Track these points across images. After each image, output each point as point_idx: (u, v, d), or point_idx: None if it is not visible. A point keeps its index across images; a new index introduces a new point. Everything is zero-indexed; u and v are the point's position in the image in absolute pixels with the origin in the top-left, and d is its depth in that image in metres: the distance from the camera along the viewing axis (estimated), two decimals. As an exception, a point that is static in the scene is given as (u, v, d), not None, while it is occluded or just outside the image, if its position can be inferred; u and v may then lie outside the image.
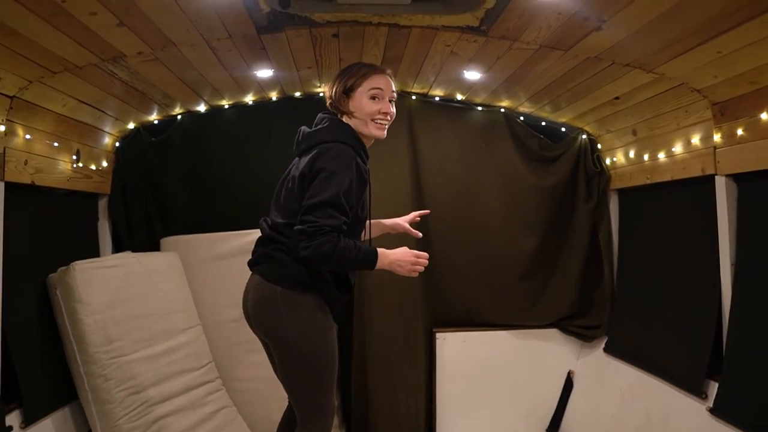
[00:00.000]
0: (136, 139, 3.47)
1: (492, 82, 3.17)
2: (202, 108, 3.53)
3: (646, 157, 3.09)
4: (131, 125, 3.43)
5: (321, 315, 2.12)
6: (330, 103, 2.22)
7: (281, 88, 3.44)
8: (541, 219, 3.68)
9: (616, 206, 3.59)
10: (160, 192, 3.56)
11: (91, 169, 3.16)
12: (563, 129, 3.69)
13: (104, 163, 3.30)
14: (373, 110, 2.15)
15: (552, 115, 3.58)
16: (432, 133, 3.67)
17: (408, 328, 3.62)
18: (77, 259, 2.76)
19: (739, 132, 2.36)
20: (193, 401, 3.02)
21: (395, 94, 2.23)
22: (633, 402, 3.13)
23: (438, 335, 3.70)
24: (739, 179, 2.50)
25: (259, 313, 2.14)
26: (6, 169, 2.38)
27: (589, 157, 3.56)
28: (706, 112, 2.53)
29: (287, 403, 2.39)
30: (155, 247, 3.52)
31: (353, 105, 2.16)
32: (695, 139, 2.66)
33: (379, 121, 2.17)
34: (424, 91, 3.58)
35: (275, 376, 2.30)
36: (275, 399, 3.05)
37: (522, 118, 3.70)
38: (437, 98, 3.66)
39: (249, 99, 3.53)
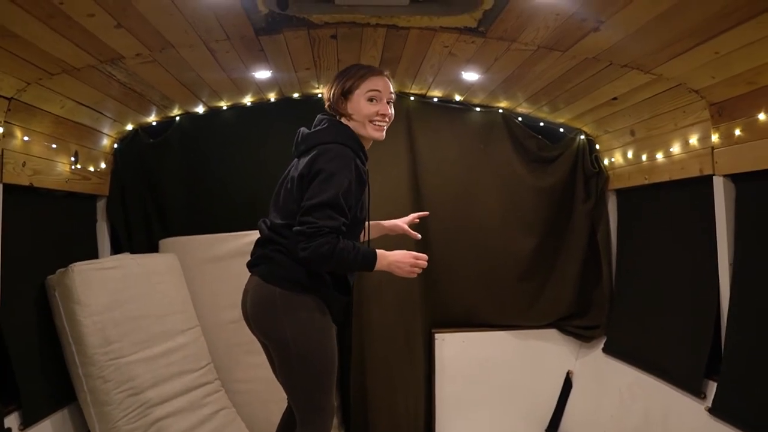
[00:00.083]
0: (134, 140, 3.46)
1: (490, 83, 3.18)
2: (200, 109, 3.53)
3: (644, 157, 3.09)
4: (129, 127, 3.43)
5: (320, 316, 2.12)
6: (328, 106, 2.22)
7: (279, 90, 3.44)
8: (540, 219, 3.68)
9: (615, 206, 3.59)
10: (158, 193, 3.56)
11: (90, 171, 3.16)
12: (561, 129, 3.69)
13: (102, 165, 3.30)
14: (370, 112, 2.15)
15: (550, 115, 3.59)
16: (430, 133, 3.67)
17: (407, 329, 3.62)
18: (76, 261, 2.76)
19: (737, 132, 2.37)
20: (192, 402, 3.01)
21: (393, 96, 2.22)
22: (632, 402, 3.13)
23: (437, 336, 3.70)
24: (737, 179, 2.50)
25: (258, 314, 2.14)
26: (4, 170, 2.38)
27: (588, 158, 3.57)
28: (704, 113, 2.54)
29: (286, 404, 2.39)
30: (154, 248, 3.52)
31: (351, 107, 2.16)
32: (693, 140, 2.67)
33: (377, 123, 2.17)
34: (423, 92, 3.58)
35: (274, 377, 2.30)
36: (274, 400, 3.05)
37: (520, 118, 3.70)
38: (435, 99, 3.66)
39: (247, 100, 3.53)
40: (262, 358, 2.35)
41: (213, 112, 3.57)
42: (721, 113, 2.45)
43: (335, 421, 3.28)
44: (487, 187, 3.69)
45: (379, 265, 2.06)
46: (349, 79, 2.16)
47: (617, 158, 3.38)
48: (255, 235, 2.25)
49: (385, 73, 2.21)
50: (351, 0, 2.26)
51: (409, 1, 2.27)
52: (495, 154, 3.69)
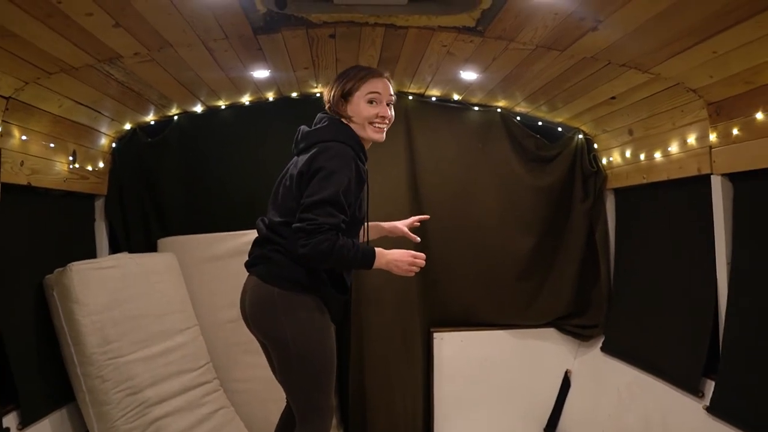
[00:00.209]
0: (132, 139, 3.46)
1: (488, 82, 3.18)
2: (198, 108, 3.53)
3: (642, 156, 3.09)
4: (127, 126, 3.42)
5: (319, 315, 2.12)
6: (328, 107, 2.22)
7: (278, 89, 3.44)
8: (538, 219, 3.68)
9: (613, 206, 3.60)
10: (156, 193, 3.55)
11: (88, 170, 3.16)
12: (560, 129, 3.69)
13: (101, 164, 3.30)
14: (370, 114, 2.15)
15: (548, 114, 3.59)
16: (429, 133, 3.67)
17: (405, 328, 3.62)
18: (74, 260, 2.75)
19: (735, 132, 2.37)
20: (191, 402, 3.01)
21: (394, 98, 2.22)
22: (630, 401, 3.14)
23: (435, 335, 3.70)
24: (734, 179, 2.51)
25: (256, 314, 2.14)
26: (2, 170, 2.38)
27: (586, 157, 3.57)
28: (702, 112, 2.54)
29: (285, 404, 2.39)
30: (152, 247, 3.52)
31: (351, 109, 2.16)
32: (691, 139, 2.67)
33: (377, 125, 2.18)
34: (421, 91, 3.58)
35: (273, 376, 2.30)
36: (273, 399, 3.05)
37: (518, 118, 3.70)
38: (434, 98, 3.66)
39: (245, 99, 3.53)
40: (260, 358, 2.35)
41: (211, 112, 3.57)
42: (719, 112, 2.46)
43: (334, 421, 3.27)
44: (486, 186, 3.69)
45: (378, 263, 2.07)
46: (349, 80, 2.16)
47: (615, 157, 3.38)
48: (253, 234, 2.25)
49: (386, 74, 2.21)
50: (349, -1, 2.26)
51: (407, 1, 2.27)
52: (493, 154, 3.70)
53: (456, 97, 3.61)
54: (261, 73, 3.05)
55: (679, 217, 2.93)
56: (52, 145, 2.75)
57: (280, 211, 2.15)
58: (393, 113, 2.22)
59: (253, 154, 3.56)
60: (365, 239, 2.30)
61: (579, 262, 3.62)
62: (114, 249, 3.49)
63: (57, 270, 2.72)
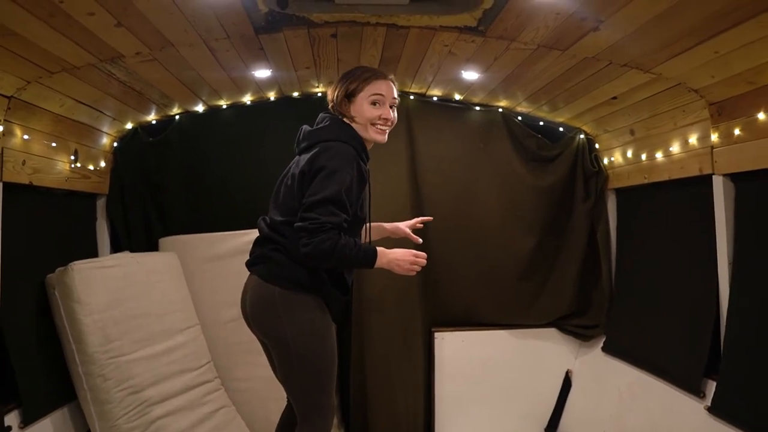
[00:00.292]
0: (134, 139, 3.46)
1: (490, 82, 3.18)
2: (200, 108, 3.53)
3: (643, 156, 3.09)
4: (129, 125, 3.43)
5: (320, 315, 2.12)
6: (332, 106, 2.22)
7: (279, 88, 3.44)
8: (539, 219, 3.68)
9: (614, 206, 3.59)
10: (158, 192, 3.56)
11: (89, 170, 3.16)
12: (561, 129, 3.69)
13: (102, 163, 3.30)
14: (373, 115, 2.16)
15: (550, 114, 3.59)
16: (430, 132, 3.67)
17: (406, 328, 3.62)
18: (75, 260, 2.75)
19: (737, 132, 2.37)
20: (192, 401, 3.02)
21: (397, 100, 2.23)
22: (631, 401, 3.14)
23: (436, 335, 3.70)
24: (736, 179, 2.50)
25: (257, 313, 2.14)
26: (4, 169, 2.38)
27: (587, 157, 3.57)
28: (704, 112, 2.54)
29: (286, 403, 2.40)
30: (153, 247, 3.52)
31: (354, 110, 2.16)
32: (693, 139, 2.67)
33: (379, 127, 2.18)
34: (422, 91, 3.58)
35: (274, 375, 2.30)
36: (274, 398, 3.05)
37: (520, 117, 3.70)
38: (435, 98, 3.66)
39: (247, 99, 3.53)
40: (261, 357, 2.36)
41: (213, 111, 3.57)
42: (721, 113, 2.46)
43: (335, 420, 3.27)
44: (487, 186, 3.69)
45: (379, 262, 2.07)
46: (353, 81, 2.16)
47: (617, 157, 3.38)
48: (254, 233, 2.25)
49: (390, 77, 2.21)
50: (351, -1, 2.26)
51: (409, 0, 2.27)
52: (495, 153, 3.70)
53: (457, 96, 3.61)
54: (262, 73, 3.05)
55: (680, 217, 2.92)
56: (53, 144, 2.75)
57: (281, 210, 2.15)
58: (396, 115, 2.23)
59: (254, 154, 3.56)
60: (367, 239, 2.30)
61: (580, 262, 3.62)
62: (115, 248, 3.50)
63: (58, 269, 2.72)
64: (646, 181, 3.10)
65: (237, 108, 3.58)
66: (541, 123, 3.71)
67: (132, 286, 2.94)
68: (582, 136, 3.60)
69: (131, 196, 3.49)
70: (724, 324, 2.52)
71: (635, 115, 2.99)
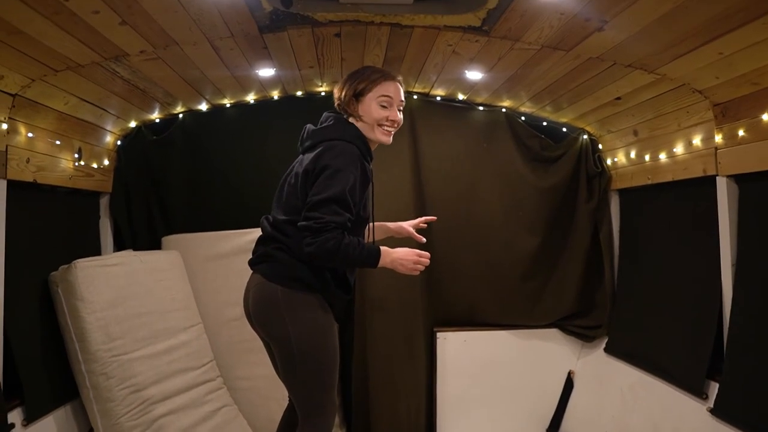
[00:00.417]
0: (137, 137, 3.47)
1: (493, 82, 3.18)
2: (203, 107, 3.54)
3: (647, 157, 3.09)
4: (133, 124, 3.43)
5: (322, 314, 2.13)
6: (338, 105, 2.23)
7: (283, 88, 3.44)
8: (542, 219, 3.68)
9: (617, 206, 3.59)
10: (161, 190, 3.56)
11: (93, 168, 3.17)
12: (564, 129, 3.69)
13: (106, 162, 3.31)
14: (381, 116, 2.17)
15: (553, 115, 3.59)
16: (433, 132, 3.67)
17: (409, 328, 3.62)
18: (79, 258, 2.76)
19: (741, 133, 2.36)
20: (194, 400, 3.02)
21: (404, 102, 2.24)
22: (633, 402, 3.13)
23: (439, 335, 3.70)
24: (740, 180, 2.50)
25: (260, 312, 2.14)
26: (8, 167, 2.39)
27: (590, 158, 3.56)
28: (708, 113, 2.54)
29: (288, 402, 2.40)
30: (156, 245, 3.53)
31: (362, 109, 2.17)
32: (696, 140, 2.66)
33: (386, 128, 2.19)
34: (426, 90, 3.58)
35: (276, 374, 2.30)
36: (276, 398, 3.06)
37: (523, 118, 3.70)
38: (439, 98, 3.66)
39: (250, 98, 3.53)
40: (263, 356, 2.36)
41: (216, 110, 3.58)
42: (725, 114, 2.45)
43: (336, 419, 3.28)
44: (490, 186, 3.69)
45: (383, 261, 2.07)
46: (362, 81, 2.17)
47: (620, 158, 3.38)
48: (257, 232, 2.25)
49: (398, 78, 2.22)
50: (355, -2, 2.27)
51: (413, 0, 2.27)
52: (498, 153, 3.69)
53: (461, 96, 3.61)
54: (266, 72, 3.05)
55: (683, 218, 2.92)
56: (57, 142, 2.76)
57: (284, 209, 2.15)
58: (402, 117, 2.24)
59: (257, 153, 3.56)
60: (371, 239, 2.31)
61: (583, 262, 3.61)
62: (119, 246, 3.50)
63: (62, 267, 2.73)
64: (649, 182, 3.10)
65: (241, 107, 3.58)
66: (545, 123, 3.70)
67: (135, 285, 2.95)
68: (585, 136, 3.59)
69: (135, 195, 3.50)
70: (727, 325, 2.51)
71: (639, 116, 2.98)
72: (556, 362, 3.74)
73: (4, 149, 2.36)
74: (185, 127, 3.56)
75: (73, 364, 2.74)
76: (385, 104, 2.17)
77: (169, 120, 3.54)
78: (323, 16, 2.41)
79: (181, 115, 3.55)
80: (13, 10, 1.83)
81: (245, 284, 2.24)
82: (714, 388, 2.55)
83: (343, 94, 2.19)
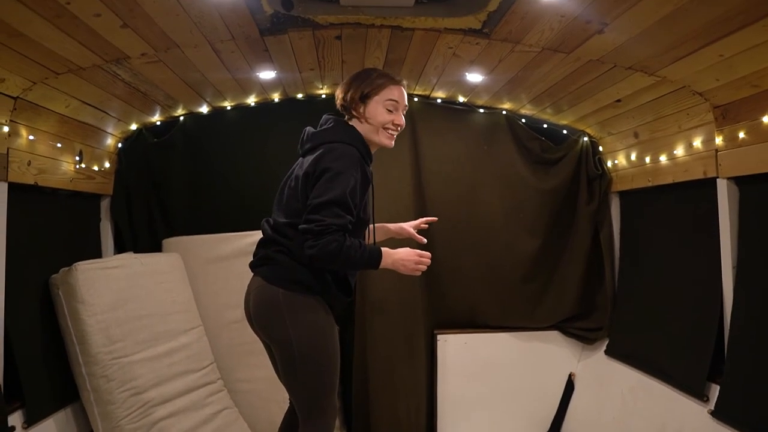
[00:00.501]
0: (138, 140, 3.47)
1: (494, 84, 3.18)
2: (204, 109, 3.54)
3: (647, 159, 3.09)
4: (134, 126, 3.44)
5: (323, 316, 2.13)
6: (342, 106, 2.23)
7: (283, 90, 3.45)
8: (543, 221, 3.68)
9: (618, 208, 3.59)
10: (162, 193, 3.57)
11: (94, 170, 3.17)
12: (565, 131, 3.69)
13: (107, 164, 3.31)
14: (386, 120, 2.17)
15: (553, 117, 3.59)
16: (434, 134, 3.67)
17: (409, 330, 3.61)
18: (79, 260, 2.76)
19: (741, 135, 2.37)
20: (195, 402, 3.02)
21: (407, 106, 2.25)
22: (634, 404, 3.13)
23: (439, 337, 3.70)
24: (740, 182, 2.50)
25: (261, 315, 2.14)
26: (9, 169, 2.39)
27: (591, 160, 3.57)
28: (708, 115, 2.54)
29: (289, 404, 2.40)
30: (157, 247, 3.53)
31: (368, 112, 2.17)
32: (697, 142, 2.67)
33: (390, 132, 2.20)
34: (426, 93, 3.58)
35: (277, 377, 2.30)
36: (276, 400, 3.06)
37: (524, 120, 3.70)
38: (439, 100, 3.66)
39: (251, 100, 3.54)
40: (264, 358, 2.36)
41: (217, 112, 3.58)
42: (725, 116, 2.45)
43: (337, 422, 3.27)
44: (490, 188, 3.69)
45: (384, 263, 2.07)
46: (369, 84, 2.17)
47: (621, 160, 3.38)
48: (258, 235, 2.25)
49: (403, 82, 2.23)
50: (356, 1, 2.27)
51: (413, 3, 2.28)
52: (498, 156, 3.70)
53: (461, 99, 3.61)
54: (267, 74, 3.06)
55: (684, 220, 2.92)
56: (58, 145, 2.76)
57: (285, 212, 2.16)
58: (404, 121, 2.25)
59: (258, 155, 3.57)
60: (371, 240, 2.31)
61: (583, 264, 3.61)
62: (119, 249, 3.50)
63: (63, 269, 2.73)
64: (650, 184, 3.10)
65: (241, 109, 3.59)
66: (545, 125, 3.71)
67: (135, 287, 2.95)
68: (586, 138, 3.60)
69: (135, 197, 3.50)
70: (728, 327, 2.51)
71: (639, 118, 2.99)
72: (557, 364, 3.74)
73: (6, 152, 2.36)
74: (186, 129, 3.56)
75: (74, 366, 2.74)
76: (391, 108, 2.18)
77: (170, 122, 3.55)
78: (324, 19, 2.42)
79: (181, 118, 3.55)
80: (14, 13, 1.83)
81: (246, 287, 2.24)
82: (715, 391, 2.54)
83: (349, 96, 2.19)
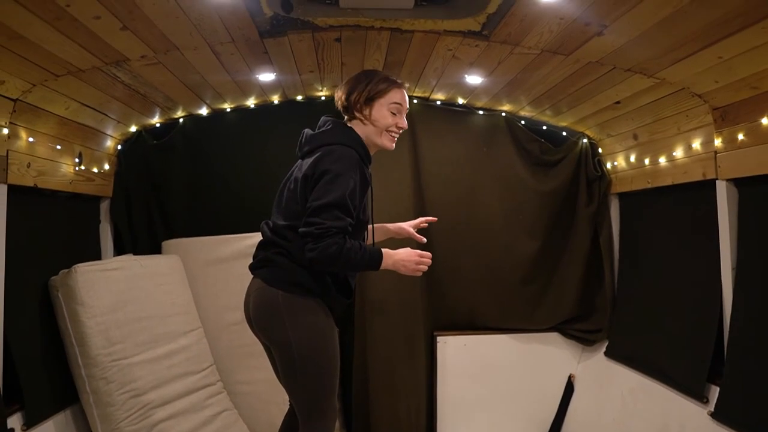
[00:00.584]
0: (138, 142, 3.47)
1: (493, 86, 3.18)
2: (204, 111, 3.54)
3: (647, 161, 3.09)
4: (133, 128, 3.44)
5: (323, 318, 2.13)
6: (344, 107, 2.23)
7: (283, 92, 3.45)
8: (542, 223, 3.68)
9: (617, 210, 3.59)
10: (161, 195, 3.57)
11: (93, 172, 3.17)
12: (564, 133, 3.69)
13: (106, 166, 3.31)
14: (390, 123, 2.19)
15: (553, 119, 3.59)
16: (433, 136, 3.67)
17: (409, 331, 3.61)
18: (79, 262, 2.76)
19: (740, 137, 2.37)
20: (194, 404, 3.02)
21: (408, 108, 2.27)
22: (634, 406, 3.13)
23: (439, 338, 3.70)
24: (739, 184, 2.50)
25: (260, 317, 2.14)
26: (9, 171, 2.39)
27: (590, 161, 3.57)
28: (707, 117, 2.54)
29: (288, 406, 2.40)
30: (157, 249, 3.53)
31: (373, 114, 2.18)
32: (696, 144, 2.67)
33: (393, 134, 2.22)
34: (426, 95, 3.58)
35: (276, 379, 2.30)
36: (276, 402, 3.06)
37: (523, 122, 3.71)
38: (438, 102, 3.67)
39: (251, 102, 3.54)
40: (264, 360, 2.36)
41: (217, 114, 3.58)
42: (725, 117, 2.46)
43: (337, 424, 3.27)
44: (490, 190, 3.69)
45: (385, 264, 2.08)
46: (375, 85, 2.18)
47: (620, 162, 3.38)
48: (258, 237, 2.26)
49: (406, 85, 2.25)
50: (355, 3, 2.27)
51: (413, 5, 2.28)
52: (498, 157, 3.70)
53: (460, 101, 3.62)
54: (266, 77, 3.06)
55: (683, 222, 2.92)
56: (58, 147, 2.76)
57: (284, 214, 2.16)
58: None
59: (257, 157, 3.57)
60: (371, 241, 2.31)
61: (583, 266, 3.61)
62: (119, 251, 3.50)
63: (62, 271, 2.73)
64: (649, 186, 3.10)
65: (241, 111, 3.59)
66: (544, 127, 3.71)
67: (135, 289, 2.95)
68: (585, 140, 3.60)
69: (135, 199, 3.50)
70: (728, 329, 2.51)
71: (638, 120, 2.99)
72: (557, 366, 3.74)
73: (5, 154, 2.36)
74: (186, 131, 3.56)
75: (73, 368, 2.73)
76: (395, 111, 2.20)
77: (170, 124, 3.55)
78: (323, 21, 2.42)
79: (181, 120, 3.55)
80: (14, 15, 1.84)
81: (245, 289, 2.24)
82: (715, 392, 2.54)
83: (353, 97, 2.19)
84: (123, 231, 3.48)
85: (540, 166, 3.71)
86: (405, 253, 2.11)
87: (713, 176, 2.56)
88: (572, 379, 3.73)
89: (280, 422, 2.45)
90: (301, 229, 2.00)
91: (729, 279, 2.52)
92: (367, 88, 2.18)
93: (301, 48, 2.67)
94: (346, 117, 2.24)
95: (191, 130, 3.56)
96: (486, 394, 3.72)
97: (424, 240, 2.44)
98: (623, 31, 2.13)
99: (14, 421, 2.42)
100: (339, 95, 2.24)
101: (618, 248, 3.57)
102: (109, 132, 3.24)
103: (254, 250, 2.24)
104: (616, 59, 2.41)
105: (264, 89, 3.32)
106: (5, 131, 2.35)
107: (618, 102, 2.91)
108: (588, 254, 3.61)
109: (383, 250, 2.08)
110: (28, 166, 2.53)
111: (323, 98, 3.57)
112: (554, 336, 3.74)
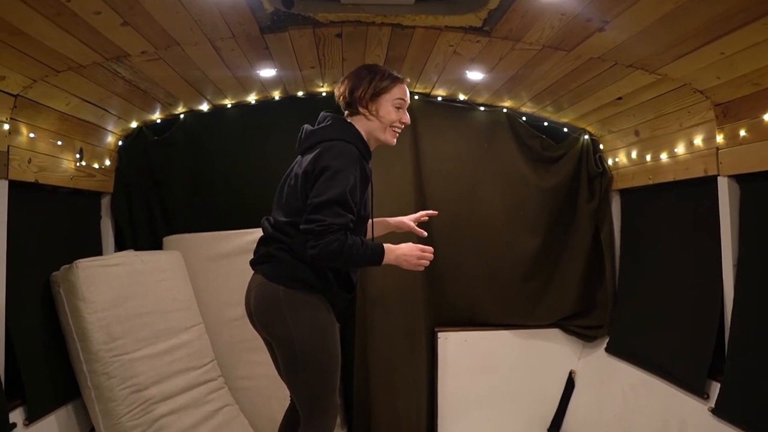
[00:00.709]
0: (138, 137, 3.47)
1: (494, 82, 3.18)
2: (204, 107, 3.54)
3: (648, 157, 3.09)
4: (134, 124, 3.44)
5: (324, 314, 2.13)
6: (347, 102, 2.22)
7: (284, 88, 3.44)
8: (543, 219, 3.68)
9: (618, 206, 3.59)
10: (162, 190, 3.57)
11: (94, 168, 3.17)
12: (565, 129, 3.69)
13: (107, 162, 3.31)
14: (394, 118, 2.19)
15: (554, 115, 3.59)
16: (434, 132, 3.67)
17: (410, 328, 3.62)
18: (80, 258, 2.76)
19: (742, 133, 2.36)
20: (195, 399, 3.02)
21: (408, 104, 2.27)
22: (635, 402, 3.13)
23: (440, 334, 3.70)
24: (741, 180, 2.50)
25: (262, 312, 2.15)
26: (10, 167, 2.39)
27: (592, 158, 3.56)
28: (709, 113, 2.54)
29: (290, 402, 2.40)
30: (158, 245, 3.53)
31: (379, 109, 2.18)
32: (698, 140, 2.66)
33: (396, 130, 2.22)
34: (427, 91, 3.58)
35: (277, 374, 2.31)
36: (277, 397, 3.07)
37: (524, 118, 3.70)
38: (440, 98, 3.66)
39: (252, 98, 3.54)
40: (265, 355, 2.36)
41: (217, 110, 3.58)
42: (726, 114, 2.45)
43: (337, 419, 3.28)
44: (491, 186, 3.69)
45: (387, 259, 2.08)
46: (381, 81, 2.18)
47: (621, 158, 3.38)
48: (259, 232, 2.26)
49: (407, 81, 2.26)
50: (356, -2, 2.27)
51: (414, 0, 2.27)
52: (499, 154, 3.69)
53: (462, 96, 3.61)
54: (267, 72, 3.05)
55: (685, 218, 2.92)
56: (59, 142, 2.76)
57: (285, 210, 2.16)
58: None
59: (258, 153, 3.57)
60: (370, 236, 2.31)
61: (584, 262, 3.61)
62: (120, 246, 3.50)
63: (63, 267, 2.73)
64: (650, 182, 3.10)
65: (242, 107, 3.59)
66: (546, 123, 3.70)
67: (136, 285, 2.95)
68: (586, 136, 3.59)
69: (136, 195, 3.50)
70: (729, 325, 2.51)
71: (640, 116, 2.98)
72: (557, 362, 3.74)
73: (6, 150, 2.36)
74: (186, 127, 3.56)
75: (75, 363, 2.74)
76: (399, 106, 2.20)
77: (171, 120, 3.55)
78: (324, 17, 2.42)
79: (182, 116, 3.55)
80: (15, 11, 1.83)
81: (246, 284, 2.24)
82: (715, 388, 2.55)
83: (359, 93, 2.17)
84: (124, 227, 3.49)
85: (541, 162, 3.71)
86: (407, 248, 2.11)
87: (715, 172, 2.56)
88: (573, 375, 3.73)
89: (281, 417, 2.46)
90: (302, 227, 2.00)
91: (730, 275, 2.51)
92: (372, 84, 2.17)
93: (302, 44, 2.67)
94: (347, 112, 2.24)
95: (192, 126, 3.56)
96: (486, 390, 3.72)
97: (425, 234, 2.44)
98: (625, 27, 2.12)
99: (16, 416, 2.43)
100: (341, 91, 2.23)
101: (619, 245, 3.57)
102: (109, 128, 3.24)
103: (255, 245, 2.24)
104: (618, 55, 2.41)
105: (265, 85, 3.31)
106: (6, 127, 2.35)
107: (619, 98, 2.90)
108: (589, 250, 3.61)
109: (385, 245, 2.08)
110: (29, 161, 2.53)
111: (324, 94, 3.56)
112: (555, 332, 3.74)
